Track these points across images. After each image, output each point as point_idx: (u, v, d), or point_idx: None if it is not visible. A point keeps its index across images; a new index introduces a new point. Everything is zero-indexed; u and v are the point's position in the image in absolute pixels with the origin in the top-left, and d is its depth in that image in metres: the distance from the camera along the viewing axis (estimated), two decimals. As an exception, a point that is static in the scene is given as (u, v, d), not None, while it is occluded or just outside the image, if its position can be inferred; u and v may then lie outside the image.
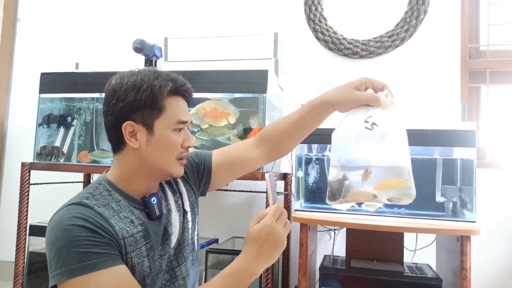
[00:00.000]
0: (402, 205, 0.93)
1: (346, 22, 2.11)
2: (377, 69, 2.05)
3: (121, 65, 1.75)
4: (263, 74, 1.65)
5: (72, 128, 1.94)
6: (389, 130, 0.90)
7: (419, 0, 2.00)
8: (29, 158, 1.89)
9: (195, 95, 0.98)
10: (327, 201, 0.96)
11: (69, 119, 1.93)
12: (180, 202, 0.99)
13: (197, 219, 1.04)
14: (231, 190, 2.05)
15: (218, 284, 0.79)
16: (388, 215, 1.49)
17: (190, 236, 0.98)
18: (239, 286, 0.80)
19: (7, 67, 2.58)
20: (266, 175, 0.84)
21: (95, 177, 2.17)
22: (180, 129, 0.90)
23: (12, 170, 2.52)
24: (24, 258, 1.82)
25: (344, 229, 1.84)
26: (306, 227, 1.52)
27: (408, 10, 2.02)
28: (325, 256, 1.76)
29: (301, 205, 1.66)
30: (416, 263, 1.68)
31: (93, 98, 1.93)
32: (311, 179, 1.69)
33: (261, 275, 0.82)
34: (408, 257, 1.74)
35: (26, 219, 1.81)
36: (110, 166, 0.93)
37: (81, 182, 2.23)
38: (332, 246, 1.96)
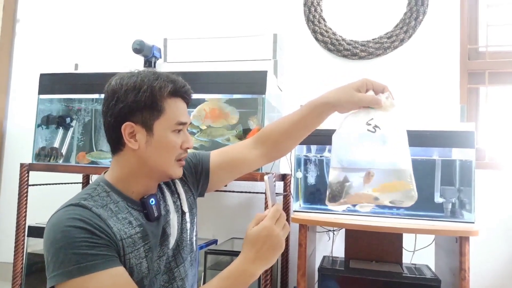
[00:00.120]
0: (403, 206, 0.93)
1: (345, 23, 2.11)
2: (376, 70, 2.05)
3: (120, 66, 1.76)
4: (262, 75, 1.65)
5: (71, 129, 1.94)
6: (391, 132, 0.90)
7: (418, 1, 2.00)
8: (28, 159, 1.89)
9: (194, 96, 0.98)
10: (326, 202, 0.96)
11: (68, 120, 1.93)
12: (179, 203, 0.99)
13: (195, 220, 1.04)
14: (230, 191, 2.05)
15: (217, 286, 0.79)
16: (387, 216, 1.49)
17: (188, 237, 0.98)
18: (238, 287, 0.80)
19: (6, 68, 2.58)
20: (265, 177, 0.83)
21: (94, 178, 2.17)
22: (179, 130, 0.90)
23: (11, 171, 2.51)
24: (22, 259, 1.82)
25: (343, 230, 1.84)
26: (305, 228, 1.52)
27: (407, 11, 2.02)
28: (324, 257, 1.76)
29: (300, 206, 1.66)
30: (415, 264, 1.69)
31: (92, 99, 1.93)
32: (310, 180, 1.69)
33: (260, 276, 0.82)
34: (407, 258, 1.74)
35: (25, 220, 1.81)
36: (108, 167, 0.93)
37: (80, 183, 2.23)
38: (331, 247, 1.96)
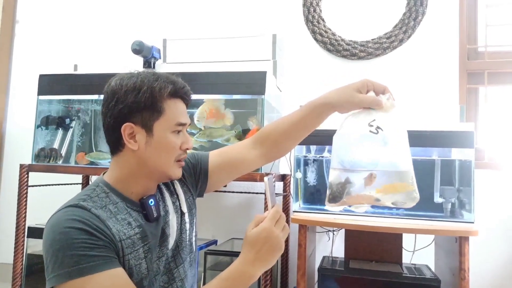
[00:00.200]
0: (404, 207, 0.93)
1: (344, 23, 2.11)
2: (376, 70, 2.05)
3: (119, 67, 1.75)
4: (262, 76, 1.65)
5: (71, 130, 1.94)
6: (392, 133, 0.90)
7: (417, 1, 2.00)
8: (28, 159, 1.89)
9: (194, 96, 0.98)
10: (326, 203, 0.95)
11: (67, 120, 1.93)
12: (178, 203, 0.99)
13: (195, 220, 1.04)
14: (229, 192, 2.05)
15: (216, 287, 0.79)
16: (387, 216, 1.49)
17: (188, 237, 0.98)
18: None
19: (6, 69, 2.58)
20: (265, 178, 0.83)
21: (93, 179, 2.17)
22: (179, 131, 0.90)
23: (10, 171, 2.51)
24: (22, 260, 1.82)
25: (343, 230, 1.84)
26: (304, 228, 1.52)
27: (406, 11, 2.03)
28: (323, 257, 1.76)
29: (299, 206, 1.66)
30: (414, 264, 1.69)
31: (91, 100, 1.93)
32: (309, 180, 1.69)
33: (260, 276, 0.82)
34: (407, 258, 1.74)
35: (25, 221, 1.81)
36: (108, 168, 0.93)
37: (79, 184, 2.23)
38: (331, 247, 1.96)
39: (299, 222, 1.51)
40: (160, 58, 2.04)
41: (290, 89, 2.13)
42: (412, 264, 1.70)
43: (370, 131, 0.90)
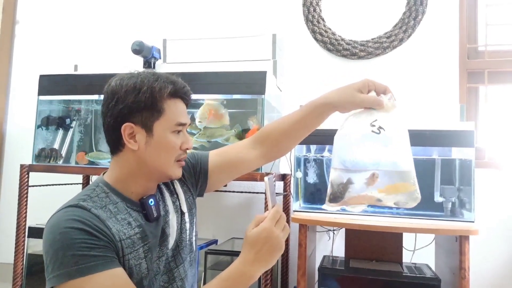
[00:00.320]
0: (406, 207, 0.93)
1: (344, 23, 2.11)
2: (376, 70, 2.05)
3: (119, 67, 1.76)
4: (262, 75, 1.65)
5: (71, 130, 1.95)
6: (394, 134, 0.90)
7: (417, 1, 2.00)
8: (28, 160, 1.89)
9: (194, 96, 0.98)
10: (327, 203, 0.95)
11: (67, 121, 1.93)
12: (178, 203, 0.99)
13: (195, 220, 1.04)
14: (230, 191, 2.05)
15: (216, 287, 0.79)
16: (387, 215, 1.50)
17: (188, 237, 0.98)
18: None
19: (6, 69, 2.58)
20: (265, 178, 0.83)
21: (94, 178, 2.17)
22: (179, 131, 0.91)
23: (11, 172, 2.52)
24: (23, 260, 1.82)
25: (343, 229, 1.84)
26: (305, 227, 1.52)
27: (406, 11, 2.02)
28: (324, 256, 1.76)
29: (300, 205, 1.66)
30: (415, 263, 1.69)
31: (91, 100, 1.93)
32: (310, 180, 1.69)
33: (260, 275, 0.81)
34: (407, 257, 1.74)
35: (25, 221, 1.81)
36: (108, 168, 0.93)
37: (80, 183, 2.23)
38: (331, 246, 1.96)
39: (299, 221, 1.51)
40: (160, 58, 2.04)
41: (290, 88, 2.13)
42: (413, 263, 1.70)
43: (372, 131, 0.90)
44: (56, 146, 1.93)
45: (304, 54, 2.15)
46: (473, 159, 1.47)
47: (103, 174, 0.93)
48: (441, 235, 1.63)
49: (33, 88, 1.91)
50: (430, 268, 1.63)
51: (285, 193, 1.91)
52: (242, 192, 2.09)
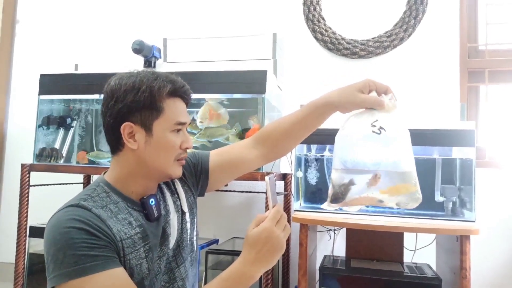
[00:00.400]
0: (407, 208, 0.93)
1: (345, 22, 2.11)
2: (376, 69, 2.05)
3: (120, 66, 1.76)
4: (262, 75, 1.65)
5: (72, 130, 1.95)
6: (395, 134, 0.90)
7: (417, 0, 2.00)
8: (29, 159, 1.89)
9: (194, 96, 0.98)
10: (328, 203, 0.95)
11: (68, 120, 1.94)
12: (179, 203, 0.99)
13: (195, 219, 1.04)
14: (230, 191, 2.06)
15: (216, 287, 0.79)
16: (388, 215, 1.49)
17: (188, 237, 0.98)
18: None
19: (7, 69, 2.59)
20: (266, 178, 0.82)
21: (94, 178, 2.17)
22: (178, 130, 0.90)
23: (12, 171, 2.52)
24: (24, 259, 1.83)
25: (344, 229, 1.84)
26: (305, 227, 1.52)
27: (407, 10, 2.02)
28: (325, 256, 1.76)
29: (300, 205, 1.66)
30: (416, 263, 1.69)
31: (92, 99, 1.94)
32: (310, 179, 1.69)
33: (261, 275, 0.81)
34: (408, 257, 1.74)
35: (26, 220, 1.81)
36: (109, 167, 0.93)
37: (81, 183, 2.23)
38: (332, 246, 1.96)
39: (300, 221, 1.51)
40: (160, 57, 2.05)
41: (291, 88, 2.13)
42: (413, 263, 1.70)
43: (373, 132, 0.90)
44: (57, 145, 1.93)
45: (305, 53, 2.15)
46: (473, 158, 1.47)
47: (104, 173, 0.93)
48: (442, 235, 1.63)
49: (34, 88, 1.91)
50: (431, 268, 1.63)
51: (286, 192, 1.91)
52: (242, 191, 2.09)
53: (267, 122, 1.63)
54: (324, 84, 2.10)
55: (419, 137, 1.46)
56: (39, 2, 2.59)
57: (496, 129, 1.97)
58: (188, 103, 0.95)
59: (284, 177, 1.91)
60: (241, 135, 1.72)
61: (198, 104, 1.73)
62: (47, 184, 1.98)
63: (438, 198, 1.55)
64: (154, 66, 1.99)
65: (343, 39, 2.08)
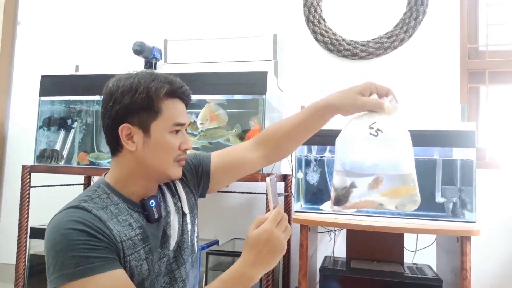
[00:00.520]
0: (405, 211, 0.93)
1: (345, 23, 2.11)
2: (377, 70, 2.05)
3: (121, 68, 1.75)
4: (263, 76, 1.65)
5: (73, 131, 1.95)
6: (394, 136, 0.90)
7: (418, 1, 2.00)
8: (30, 160, 1.90)
9: (196, 97, 0.98)
10: (331, 206, 0.95)
11: (69, 121, 1.94)
12: (179, 204, 0.99)
13: (196, 221, 1.04)
14: (231, 192, 2.06)
15: None
16: (388, 216, 1.49)
17: (189, 238, 0.98)
18: None
19: (8, 70, 2.59)
20: (267, 179, 0.82)
21: (95, 179, 2.17)
22: (177, 131, 0.90)
23: (12, 172, 2.52)
24: (25, 260, 1.83)
25: (345, 230, 1.84)
26: (306, 228, 1.52)
27: (407, 11, 2.02)
28: (325, 257, 1.76)
29: (301, 206, 1.66)
30: (416, 264, 1.68)
31: (93, 100, 1.94)
32: (311, 180, 1.69)
33: (261, 276, 0.81)
34: (408, 258, 1.74)
35: (27, 221, 1.82)
36: (109, 168, 0.93)
37: (81, 184, 2.23)
38: (332, 247, 1.96)
39: (300, 222, 1.51)
40: (161, 58, 2.05)
41: (291, 89, 2.13)
42: (414, 264, 1.70)
43: (370, 134, 0.90)
44: (57, 146, 1.93)
45: (305, 54, 2.15)
46: (474, 159, 1.47)
47: (105, 174, 0.93)
48: (442, 236, 1.63)
49: (35, 89, 1.92)
50: (431, 269, 1.62)
51: (286, 193, 1.91)
52: (243, 192, 2.09)
53: (267, 123, 1.63)
54: (325, 85, 2.10)
55: (420, 138, 1.46)
56: (40, 3, 2.59)
57: (496, 130, 1.97)
58: (188, 104, 0.95)
59: (284, 178, 1.91)
60: (242, 136, 1.72)
61: (199, 105, 1.73)
62: (48, 185, 1.98)
63: (439, 199, 1.55)
64: (155, 68, 1.99)
65: (343, 40, 2.09)
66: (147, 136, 0.87)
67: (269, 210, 0.83)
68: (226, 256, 1.80)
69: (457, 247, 1.40)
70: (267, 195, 1.01)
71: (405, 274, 1.49)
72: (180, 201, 1.00)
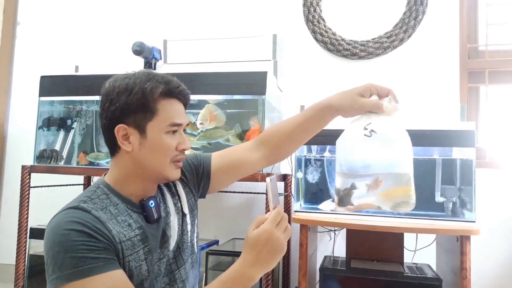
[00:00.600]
0: (400, 212, 0.93)
1: (345, 23, 2.11)
2: (376, 70, 2.05)
3: (120, 68, 1.75)
4: (262, 76, 1.65)
5: (72, 131, 1.95)
6: (391, 136, 0.89)
7: (417, 1, 2.00)
8: (29, 161, 1.90)
9: (195, 97, 0.97)
10: (335, 207, 0.96)
11: (68, 122, 1.94)
12: (179, 204, 0.99)
13: (196, 221, 1.04)
14: (231, 192, 2.06)
15: None
16: (388, 215, 1.49)
17: (189, 239, 0.98)
18: None
19: (7, 70, 2.59)
20: (267, 179, 0.82)
21: (95, 179, 2.17)
22: (174, 132, 0.89)
23: (12, 173, 2.52)
24: (24, 261, 1.83)
25: (344, 229, 1.84)
26: (306, 228, 1.52)
27: (407, 11, 2.02)
28: (325, 257, 1.76)
29: (301, 206, 1.67)
30: (416, 263, 1.69)
31: (92, 101, 1.94)
32: (311, 180, 1.69)
33: (261, 276, 0.81)
34: (408, 258, 1.74)
35: (27, 222, 1.82)
36: (109, 169, 0.93)
37: (81, 184, 2.23)
38: (332, 247, 1.96)
39: (300, 222, 1.51)
40: (161, 59, 2.04)
41: (291, 89, 2.13)
42: (414, 263, 1.70)
43: (364, 135, 0.90)
44: (57, 147, 1.93)
45: (305, 54, 2.15)
46: (474, 159, 1.47)
47: (104, 175, 0.93)
48: (442, 235, 1.63)
49: (34, 89, 1.92)
50: (431, 268, 1.63)
51: (286, 193, 1.91)
52: (243, 192, 2.09)
53: (267, 123, 1.63)
54: (324, 85, 2.10)
55: (420, 138, 1.46)
56: (39, 4, 2.59)
57: (496, 129, 1.97)
58: (186, 104, 0.94)
59: (284, 178, 1.91)
60: (241, 136, 1.72)
61: (199, 105, 1.73)
62: (48, 186, 1.98)
63: (438, 198, 1.55)
64: (155, 68, 1.99)
65: (343, 40, 2.09)
66: (143, 136, 0.86)
67: (269, 210, 0.82)
68: (226, 256, 1.80)
69: (457, 246, 1.40)
70: (267, 195, 1.01)
71: (405, 274, 1.50)
72: (180, 202, 0.99)
